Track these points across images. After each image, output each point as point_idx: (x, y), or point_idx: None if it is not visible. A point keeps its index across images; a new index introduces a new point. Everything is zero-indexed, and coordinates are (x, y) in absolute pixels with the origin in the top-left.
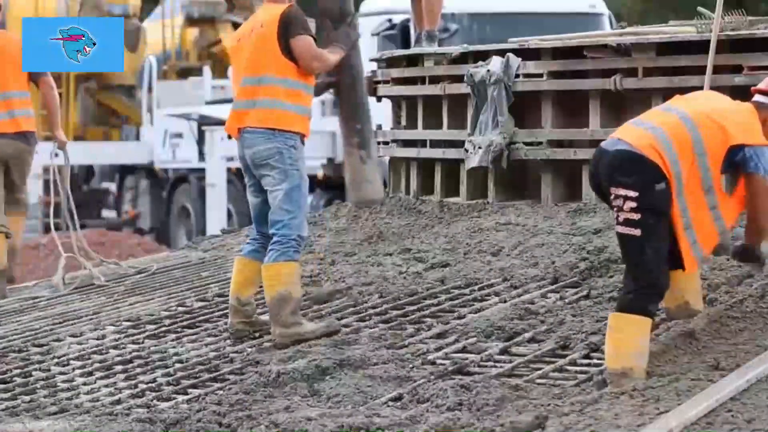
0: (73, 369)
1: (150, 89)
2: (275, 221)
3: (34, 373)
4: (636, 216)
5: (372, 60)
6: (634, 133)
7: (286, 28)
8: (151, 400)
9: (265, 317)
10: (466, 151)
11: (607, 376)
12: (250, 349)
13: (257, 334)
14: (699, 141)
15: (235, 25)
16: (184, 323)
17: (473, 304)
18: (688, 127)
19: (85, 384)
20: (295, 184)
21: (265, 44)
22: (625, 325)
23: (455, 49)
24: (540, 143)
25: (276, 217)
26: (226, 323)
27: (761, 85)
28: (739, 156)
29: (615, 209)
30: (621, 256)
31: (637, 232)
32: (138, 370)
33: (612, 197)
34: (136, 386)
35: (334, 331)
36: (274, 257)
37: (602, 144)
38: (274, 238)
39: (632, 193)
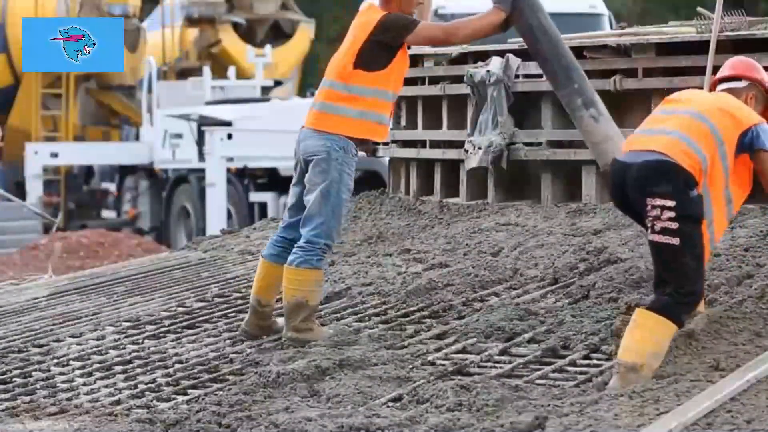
0: (73, 369)
1: (150, 89)
2: (306, 222)
3: (33, 373)
4: (674, 225)
5: None
6: (658, 142)
7: (385, 31)
8: (151, 401)
9: (281, 320)
10: (466, 151)
11: (616, 366)
12: (249, 350)
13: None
14: (716, 131)
15: (235, 25)
16: (184, 324)
17: (473, 305)
18: (702, 121)
19: (84, 384)
20: (332, 186)
21: (346, 49)
22: (654, 324)
23: (455, 50)
24: (540, 144)
25: (308, 218)
26: (225, 324)
27: (720, 74)
28: (747, 137)
29: (650, 219)
30: (655, 264)
31: (676, 241)
32: (138, 370)
33: (648, 208)
34: (135, 387)
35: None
36: (297, 262)
37: (621, 159)
38: (302, 240)
39: (670, 203)
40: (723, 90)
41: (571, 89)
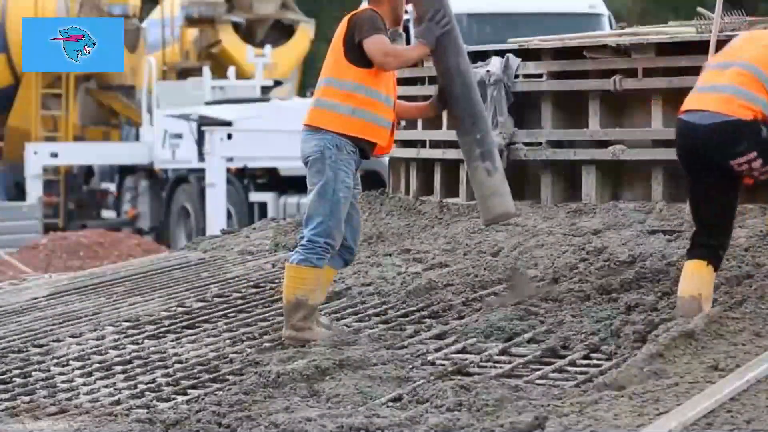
0: (73, 369)
1: (150, 89)
2: (307, 222)
3: (33, 373)
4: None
5: None
6: (716, 101)
7: (354, 31)
8: (151, 401)
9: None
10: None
11: (678, 306)
12: (249, 350)
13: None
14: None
15: (235, 25)
16: (184, 324)
17: (473, 305)
18: (753, 72)
19: (84, 384)
20: (328, 185)
21: (333, 48)
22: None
23: None
24: (540, 144)
25: (308, 217)
26: (225, 324)
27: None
28: None
29: (745, 172)
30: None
31: None
32: (138, 370)
33: (735, 167)
34: (135, 387)
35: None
36: (297, 259)
37: (685, 118)
38: (303, 240)
39: (753, 154)
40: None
41: (473, 138)
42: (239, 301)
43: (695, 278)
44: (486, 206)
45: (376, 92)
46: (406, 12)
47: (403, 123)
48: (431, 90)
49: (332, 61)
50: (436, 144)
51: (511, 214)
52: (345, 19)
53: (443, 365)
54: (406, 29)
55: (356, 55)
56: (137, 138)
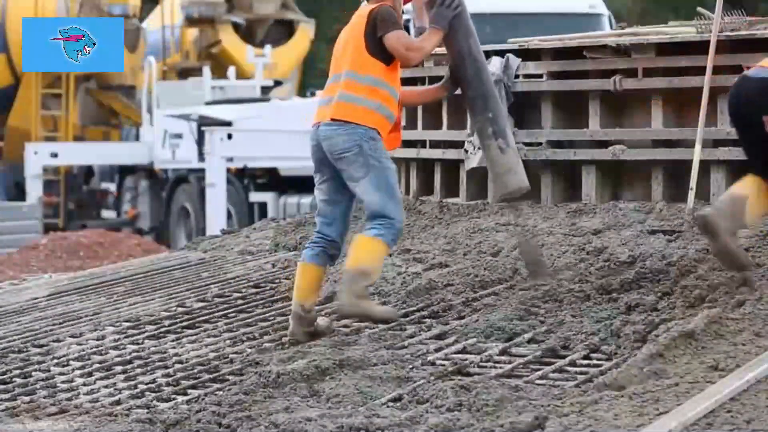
0: (73, 369)
1: (150, 89)
2: (376, 215)
3: (33, 373)
4: None
5: None
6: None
7: (375, 26)
8: (151, 401)
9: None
10: (466, 151)
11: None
12: (249, 350)
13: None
14: None
15: (235, 25)
16: (184, 324)
17: (473, 305)
18: None
19: (84, 384)
20: (379, 175)
21: (352, 42)
22: None
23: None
24: (540, 144)
25: (373, 212)
26: (225, 324)
27: None
28: None
29: None
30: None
31: None
32: (138, 370)
33: (766, 124)
34: (135, 387)
35: (392, 318)
36: (373, 233)
37: (747, 72)
38: (376, 221)
39: None
40: None
41: (485, 117)
42: (239, 301)
43: (746, 181)
44: (500, 182)
45: (393, 89)
46: (404, 12)
47: (402, 123)
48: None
49: (353, 54)
50: (436, 144)
51: (524, 189)
52: (365, 12)
53: (443, 365)
54: (407, 28)
55: (378, 49)
56: (137, 138)
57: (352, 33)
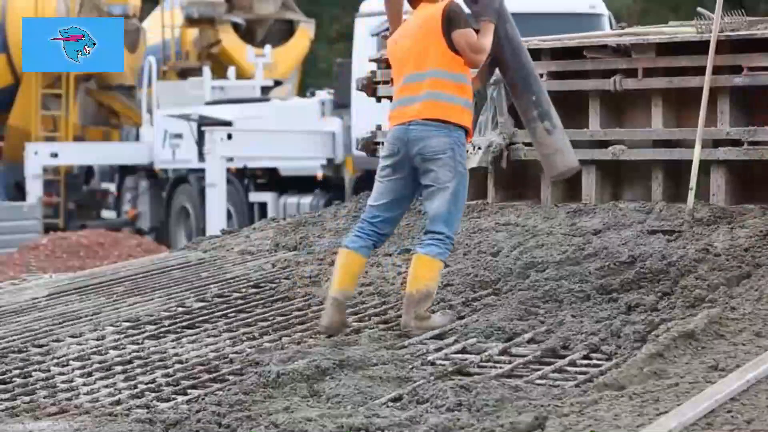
0: (73, 369)
1: (150, 89)
2: (437, 219)
3: (33, 373)
4: None
5: (372, 60)
6: None
7: (450, 23)
8: (151, 401)
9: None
10: (466, 151)
11: None
12: (249, 350)
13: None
14: None
15: (235, 25)
16: (184, 324)
17: (473, 305)
18: None
19: (84, 384)
20: (463, 184)
21: (430, 40)
22: None
23: None
24: None
25: (439, 215)
26: (225, 324)
27: None
28: None
29: None
30: None
31: None
32: (138, 370)
33: None
34: (135, 387)
35: (452, 322)
36: (434, 253)
37: None
38: (433, 234)
39: None
40: None
41: (528, 99)
42: (239, 301)
43: None
44: (549, 163)
45: (469, 80)
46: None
47: None
48: None
49: (435, 52)
50: None
51: (575, 168)
52: (434, 11)
53: (443, 365)
54: None
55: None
56: (137, 138)
57: (425, 32)
